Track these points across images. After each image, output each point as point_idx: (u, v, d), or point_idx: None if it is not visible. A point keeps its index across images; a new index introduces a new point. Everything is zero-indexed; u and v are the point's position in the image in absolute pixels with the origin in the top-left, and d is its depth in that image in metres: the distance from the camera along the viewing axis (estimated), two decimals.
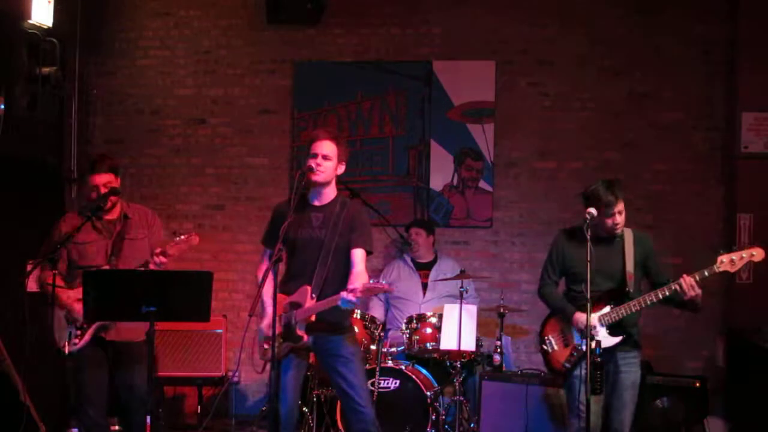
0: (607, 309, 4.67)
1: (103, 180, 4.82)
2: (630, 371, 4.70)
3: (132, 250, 4.78)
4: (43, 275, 4.81)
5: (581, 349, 4.63)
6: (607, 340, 4.62)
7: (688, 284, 4.50)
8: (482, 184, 7.18)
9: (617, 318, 4.64)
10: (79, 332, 4.72)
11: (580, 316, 4.64)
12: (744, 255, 4.50)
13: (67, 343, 4.74)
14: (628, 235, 4.76)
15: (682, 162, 6.97)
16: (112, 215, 4.88)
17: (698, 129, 6.96)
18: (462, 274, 5.98)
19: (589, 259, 4.41)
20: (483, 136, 7.17)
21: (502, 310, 6.18)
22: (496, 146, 7.17)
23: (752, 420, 5.84)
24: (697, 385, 6.06)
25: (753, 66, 6.68)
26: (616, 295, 4.68)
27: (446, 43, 7.25)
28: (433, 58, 7.24)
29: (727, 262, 4.51)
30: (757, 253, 4.50)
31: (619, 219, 4.66)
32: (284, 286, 4.53)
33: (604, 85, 7.08)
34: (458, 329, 5.69)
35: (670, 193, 6.97)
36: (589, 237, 4.43)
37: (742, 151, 6.68)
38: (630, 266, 4.68)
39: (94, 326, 4.71)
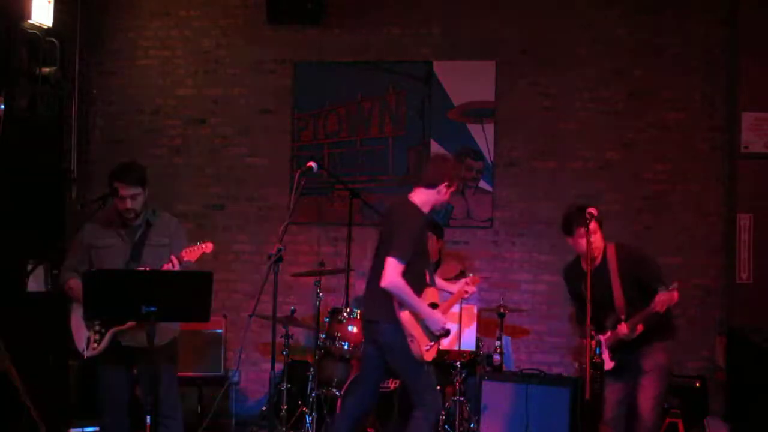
0: (608, 334, 4.85)
1: (130, 192, 4.76)
2: (650, 357, 4.78)
3: (152, 257, 4.74)
4: (62, 277, 4.83)
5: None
6: (606, 363, 4.82)
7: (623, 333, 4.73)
8: (482, 184, 7.18)
9: (617, 341, 4.79)
10: (96, 336, 4.70)
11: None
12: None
13: (85, 348, 4.72)
14: (611, 256, 4.81)
15: (682, 162, 6.96)
16: (136, 221, 4.85)
17: (698, 129, 6.96)
18: (462, 274, 5.98)
19: (588, 257, 4.51)
20: (483, 136, 7.17)
21: (502, 310, 6.19)
22: (496, 146, 7.16)
23: (752, 420, 5.84)
24: (697, 385, 6.06)
25: (753, 66, 6.67)
26: (613, 323, 4.81)
27: (446, 43, 7.25)
28: (433, 58, 7.24)
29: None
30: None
31: (593, 239, 4.71)
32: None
33: (604, 85, 7.07)
34: (458, 329, 5.69)
35: (670, 193, 6.96)
36: (589, 236, 4.48)
37: (742, 151, 6.68)
38: (618, 294, 4.76)
39: (110, 332, 4.68)
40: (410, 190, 4.92)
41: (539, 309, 7.05)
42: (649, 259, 4.91)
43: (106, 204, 4.89)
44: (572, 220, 4.76)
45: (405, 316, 4.72)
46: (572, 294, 5.11)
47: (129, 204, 4.73)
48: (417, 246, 4.73)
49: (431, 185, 4.83)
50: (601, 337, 4.87)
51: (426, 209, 4.86)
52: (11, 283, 5.86)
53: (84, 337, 4.73)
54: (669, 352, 4.88)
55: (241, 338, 5.03)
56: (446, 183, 4.82)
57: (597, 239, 4.76)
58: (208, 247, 4.76)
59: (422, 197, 4.86)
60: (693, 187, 6.96)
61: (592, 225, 4.63)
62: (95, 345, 4.69)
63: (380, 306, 4.79)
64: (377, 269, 4.78)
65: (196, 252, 4.71)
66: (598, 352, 5.82)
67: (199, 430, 5.67)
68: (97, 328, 4.69)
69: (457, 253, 7.13)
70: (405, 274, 4.66)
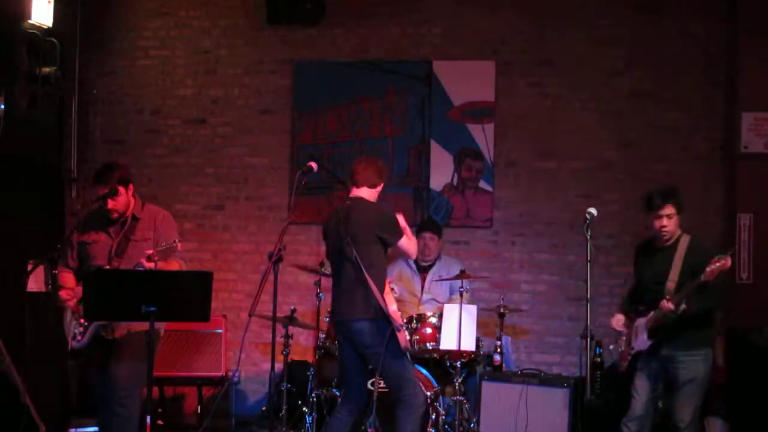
0: (650, 314, 4.83)
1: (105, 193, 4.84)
2: (687, 368, 4.79)
3: (136, 251, 4.76)
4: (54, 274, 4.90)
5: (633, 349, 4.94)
6: (642, 343, 4.83)
7: (666, 307, 4.70)
8: (482, 184, 7.18)
9: (654, 323, 4.79)
10: (81, 329, 4.74)
11: (615, 317, 5.07)
12: None
13: (71, 340, 4.77)
14: (684, 243, 4.85)
15: (682, 162, 6.96)
16: (122, 219, 4.88)
17: (698, 129, 6.96)
18: (462, 274, 5.98)
19: (589, 259, 4.65)
20: (483, 136, 7.17)
21: (502, 310, 6.19)
22: (496, 146, 7.16)
23: (752, 420, 5.83)
24: None
25: (753, 66, 6.67)
26: (657, 303, 4.79)
27: (446, 43, 7.25)
28: (433, 58, 7.24)
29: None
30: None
31: (666, 223, 4.81)
32: None
33: (604, 85, 7.07)
34: (458, 329, 5.68)
35: None
36: (589, 236, 4.54)
37: (742, 151, 6.68)
38: (674, 275, 4.78)
39: (93, 325, 4.72)
40: (350, 191, 5.13)
41: (539, 309, 7.05)
42: None
43: (106, 205, 4.91)
44: (654, 197, 4.85)
45: (393, 311, 4.84)
46: (634, 270, 5.19)
47: (109, 204, 4.80)
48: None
49: (374, 186, 5.13)
50: (641, 320, 4.89)
51: None
52: (11, 282, 5.86)
53: (72, 330, 4.80)
54: (708, 361, 4.89)
55: (241, 338, 5.02)
56: (383, 184, 5.19)
57: (672, 224, 4.84)
58: (176, 246, 4.76)
59: (371, 195, 5.12)
60: (693, 187, 6.94)
61: (669, 209, 4.78)
62: (80, 337, 4.75)
63: (356, 304, 4.84)
64: (349, 269, 4.86)
65: (165, 252, 4.72)
66: (598, 351, 5.84)
67: (199, 430, 5.68)
68: (82, 320, 4.75)
69: (457, 253, 7.13)
70: (381, 263, 4.96)
